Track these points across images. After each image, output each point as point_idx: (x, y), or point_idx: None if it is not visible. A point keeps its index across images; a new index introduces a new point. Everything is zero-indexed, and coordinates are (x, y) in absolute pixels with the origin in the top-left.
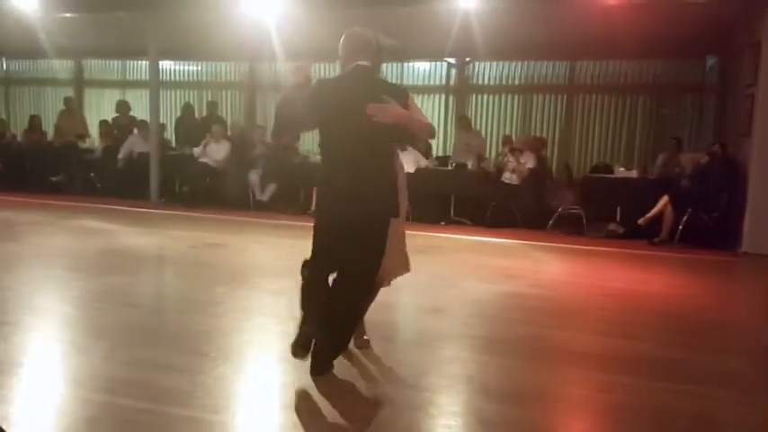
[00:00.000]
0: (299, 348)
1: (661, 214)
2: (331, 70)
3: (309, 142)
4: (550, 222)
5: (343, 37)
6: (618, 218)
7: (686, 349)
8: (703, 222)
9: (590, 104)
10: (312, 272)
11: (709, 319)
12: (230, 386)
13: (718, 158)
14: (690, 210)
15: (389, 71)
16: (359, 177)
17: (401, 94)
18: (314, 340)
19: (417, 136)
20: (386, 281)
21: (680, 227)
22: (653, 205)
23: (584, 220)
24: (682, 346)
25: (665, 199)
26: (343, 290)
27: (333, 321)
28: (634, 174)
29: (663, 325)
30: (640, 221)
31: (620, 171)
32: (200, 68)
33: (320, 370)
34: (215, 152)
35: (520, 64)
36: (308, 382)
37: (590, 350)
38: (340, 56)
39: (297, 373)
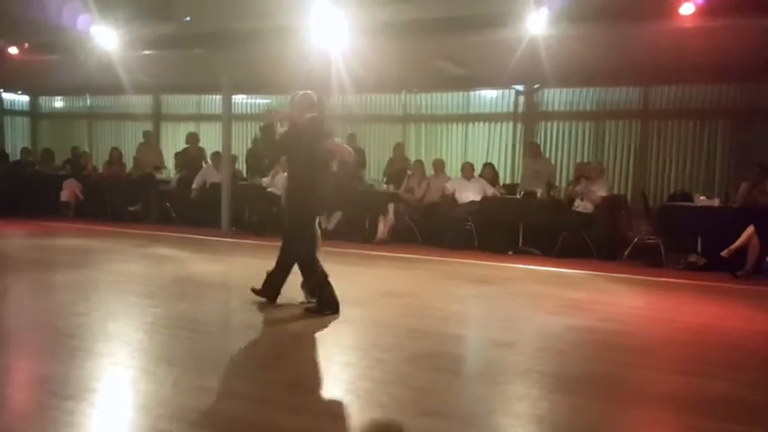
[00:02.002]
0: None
1: (746, 245)
2: (396, 101)
3: (375, 171)
4: (626, 253)
5: (297, 97)
6: (699, 249)
7: None
8: None
9: (666, 130)
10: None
11: None
12: (296, 417)
13: None
14: None
15: (457, 100)
16: (323, 187)
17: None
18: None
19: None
20: None
21: (767, 259)
22: (737, 236)
23: (662, 251)
24: None
25: (750, 229)
26: None
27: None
28: (716, 202)
29: (748, 365)
30: (724, 253)
31: (701, 200)
32: (270, 101)
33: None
34: (283, 182)
35: (591, 90)
36: (371, 416)
37: (668, 390)
38: (294, 110)
39: (361, 405)
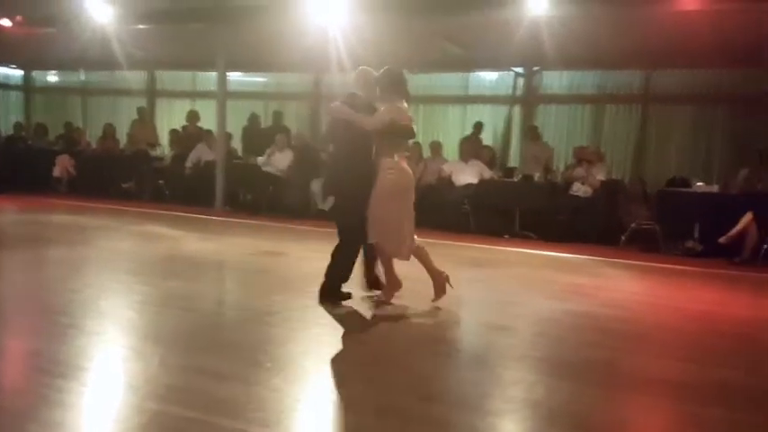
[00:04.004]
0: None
1: (744, 232)
2: None
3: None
4: (623, 238)
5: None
6: (696, 235)
7: None
8: None
9: (666, 115)
10: None
11: None
12: (284, 399)
13: None
14: None
15: (456, 81)
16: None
17: (371, 108)
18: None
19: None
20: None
21: (765, 246)
22: (734, 222)
23: (660, 237)
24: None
25: (748, 216)
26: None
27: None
28: (714, 188)
29: (746, 351)
30: (722, 240)
31: (699, 185)
32: (266, 80)
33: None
34: (279, 161)
35: (592, 73)
36: (363, 397)
37: (669, 377)
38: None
39: (352, 387)
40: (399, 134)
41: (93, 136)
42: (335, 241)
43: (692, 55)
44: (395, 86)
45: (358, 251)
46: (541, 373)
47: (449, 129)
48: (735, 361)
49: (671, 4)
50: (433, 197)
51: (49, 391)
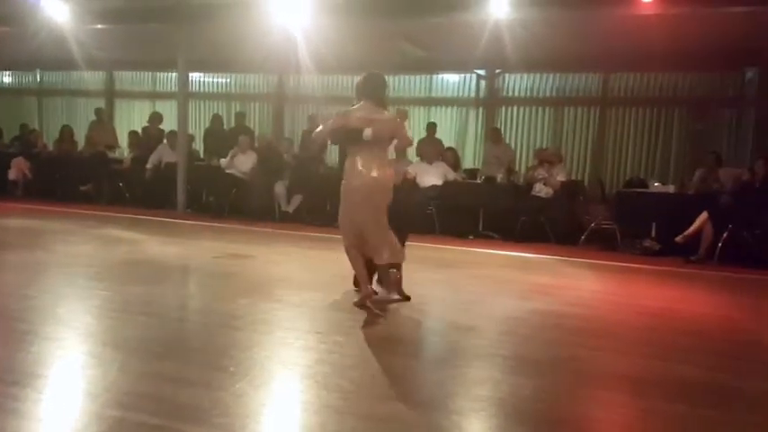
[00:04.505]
0: None
1: (699, 231)
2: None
3: (336, 154)
4: (582, 238)
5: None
6: (653, 234)
7: (732, 374)
8: (744, 240)
9: (624, 118)
10: None
11: (754, 342)
12: (249, 404)
13: (760, 174)
14: (730, 227)
15: (419, 83)
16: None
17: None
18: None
19: None
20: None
21: (719, 244)
22: (690, 222)
23: (618, 236)
24: (728, 371)
25: (704, 215)
26: None
27: None
28: (671, 189)
29: (705, 347)
30: (678, 239)
31: (656, 186)
32: (229, 80)
33: None
34: (242, 163)
35: (551, 76)
36: (329, 400)
37: (629, 373)
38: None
39: (319, 390)
40: (350, 139)
41: (49, 138)
42: (302, 243)
43: (649, 59)
44: (369, 91)
45: (402, 241)
46: (507, 371)
47: (413, 131)
48: (695, 357)
49: (629, 8)
50: (398, 198)
51: (4, 399)
